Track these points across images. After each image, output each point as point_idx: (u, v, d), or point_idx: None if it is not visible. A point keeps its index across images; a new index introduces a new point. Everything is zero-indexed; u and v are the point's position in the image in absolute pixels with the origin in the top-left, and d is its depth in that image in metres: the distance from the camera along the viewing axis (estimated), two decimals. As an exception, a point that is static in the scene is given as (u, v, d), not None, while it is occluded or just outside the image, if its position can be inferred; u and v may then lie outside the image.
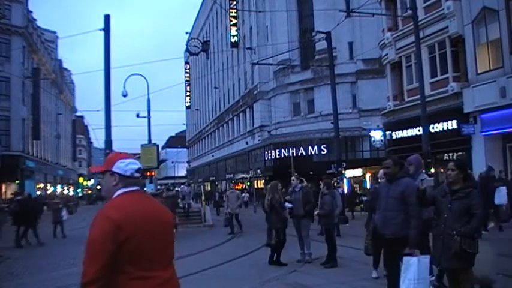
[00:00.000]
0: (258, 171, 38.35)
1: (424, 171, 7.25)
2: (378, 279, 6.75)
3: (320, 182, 9.70)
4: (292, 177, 9.43)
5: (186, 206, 21.17)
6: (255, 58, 33.83)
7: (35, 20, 42.02)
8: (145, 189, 16.85)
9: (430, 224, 5.06)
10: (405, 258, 4.59)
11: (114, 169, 2.36)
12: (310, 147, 33.65)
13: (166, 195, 17.43)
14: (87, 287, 2.07)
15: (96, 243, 2.12)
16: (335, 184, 15.64)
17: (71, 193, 53.51)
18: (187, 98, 66.50)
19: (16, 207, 14.17)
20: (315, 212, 8.91)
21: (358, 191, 25.66)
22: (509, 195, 13.03)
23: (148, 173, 23.94)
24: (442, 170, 17.00)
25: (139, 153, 20.64)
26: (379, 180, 6.57)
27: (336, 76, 21.53)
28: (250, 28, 40.91)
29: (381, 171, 6.69)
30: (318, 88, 33.67)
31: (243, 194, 34.61)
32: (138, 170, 2.41)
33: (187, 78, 64.57)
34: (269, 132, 36.18)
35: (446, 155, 17.65)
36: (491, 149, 15.49)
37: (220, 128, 51.74)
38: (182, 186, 22.18)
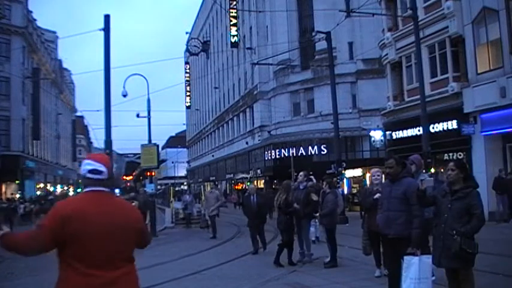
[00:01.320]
0: (258, 171, 38.35)
1: (424, 171, 7.27)
2: (379, 278, 6.76)
3: (320, 181, 9.68)
4: (301, 173, 9.34)
5: (188, 215, 19.31)
6: (255, 58, 33.83)
7: (35, 20, 42.03)
8: (113, 190, 15.94)
9: (430, 224, 5.06)
10: (406, 258, 4.60)
11: (80, 171, 2.59)
12: (310, 147, 33.65)
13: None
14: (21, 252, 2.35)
15: (41, 228, 2.32)
16: (336, 184, 15.62)
17: (71, 193, 53.47)
18: (187, 98, 66.48)
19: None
20: (317, 214, 8.87)
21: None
22: (509, 195, 13.07)
23: (148, 173, 23.93)
24: (442, 170, 17.02)
25: (139, 153, 20.61)
26: (372, 179, 6.66)
27: (336, 76, 21.53)
28: (250, 28, 40.91)
29: (373, 170, 6.78)
30: (318, 88, 33.66)
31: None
32: (91, 171, 2.47)
33: (187, 78, 64.55)
34: (269, 132, 36.18)
35: (446, 155, 17.63)
36: (491, 149, 15.48)
37: (220, 128, 51.73)
38: (184, 195, 21.25)
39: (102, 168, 2.48)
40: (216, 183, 52.36)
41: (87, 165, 2.49)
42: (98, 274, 2.29)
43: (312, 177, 9.62)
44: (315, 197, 8.68)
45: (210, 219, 14.58)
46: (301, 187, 8.98)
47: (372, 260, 7.17)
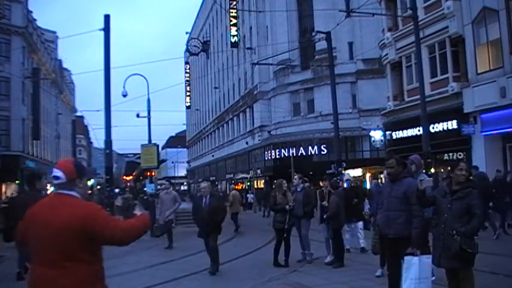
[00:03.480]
0: (258, 171, 38.36)
1: (424, 171, 7.26)
2: (379, 278, 6.76)
3: (320, 182, 9.66)
4: (295, 176, 9.37)
5: None
6: (255, 58, 33.84)
7: (35, 20, 42.00)
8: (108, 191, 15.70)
9: (430, 224, 5.06)
10: (406, 258, 4.60)
11: None
12: (310, 147, 33.67)
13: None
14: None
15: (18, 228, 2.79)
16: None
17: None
18: (187, 98, 66.49)
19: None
20: (324, 214, 8.83)
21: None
22: (510, 195, 12.95)
23: (148, 173, 23.90)
24: (442, 170, 17.01)
25: (139, 153, 20.58)
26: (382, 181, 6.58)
27: (336, 76, 21.53)
28: (250, 28, 40.92)
29: (386, 171, 6.70)
30: (318, 88, 33.67)
31: (248, 195, 34.45)
32: (53, 177, 2.76)
33: (187, 78, 64.56)
34: (269, 132, 36.19)
35: (446, 155, 17.64)
36: (491, 149, 15.48)
37: (220, 128, 51.74)
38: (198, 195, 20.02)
39: (58, 173, 2.72)
40: (217, 183, 52.41)
41: (53, 172, 2.79)
42: (40, 270, 2.53)
43: (306, 178, 9.58)
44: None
45: (165, 225, 12.02)
46: (298, 189, 9.00)
47: (372, 260, 7.18)
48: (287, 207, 8.56)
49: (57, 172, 2.72)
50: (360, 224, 9.48)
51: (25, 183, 6.98)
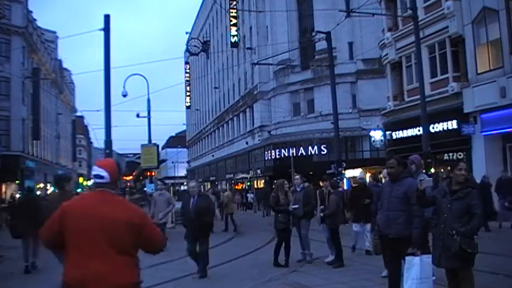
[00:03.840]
0: (258, 171, 38.35)
1: (424, 171, 7.25)
2: (382, 278, 6.73)
3: (320, 182, 9.66)
4: (297, 176, 9.37)
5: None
6: (255, 58, 33.83)
7: (35, 20, 42.01)
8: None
9: (430, 224, 5.06)
10: (407, 258, 4.60)
11: None
12: (310, 147, 33.66)
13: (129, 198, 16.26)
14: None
15: (48, 223, 2.72)
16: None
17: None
18: (187, 98, 66.46)
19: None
20: (321, 213, 8.84)
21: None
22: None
23: (148, 173, 23.93)
24: (442, 170, 17.01)
25: (139, 153, 20.61)
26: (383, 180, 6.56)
27: (336, 76, 21.54)
28: (250, 28, 40.91)
29: (385, 171, 6.68)
30: (318, 88, 33.67)
31: (248, 195, 34.42)
32: (95, 176, 2.81)
33: (187, 78, 64.54)
34: (269, 132, 36.19)
35: (446, 155, 17.64)
36: (491, 149, 15.48)
37: (220, 128, 51.73)
38: (206, 194, 18.51)
39: (103, 173, 2.77)
40: (217, 183, 52.41)
41: (93, 170, 2.83)
42: (91, 264, 2.51)
43: (304, 178, 9.58)
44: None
45: (160, 227, 11.59)
46: (298, 189, 9.00)
47: (371, 260, 7.18)
48: (291, 208, 8.55)
49: (101, 171, 2.76)
50: (369, 226, 9.32)
51: (55, 185, 7.56)
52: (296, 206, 8.60)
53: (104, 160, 2.99)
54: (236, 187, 44.58)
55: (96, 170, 2.78)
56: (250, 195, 33.88)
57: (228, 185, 47.07)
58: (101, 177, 2.75)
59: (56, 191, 7.65)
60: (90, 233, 2.55)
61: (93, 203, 2.67)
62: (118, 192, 2.87)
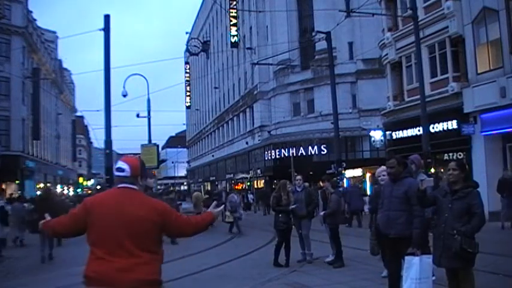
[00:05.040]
0: (258, 171, 38.36)
1: (423, 171, 7.24)
2: (379, 279, 6.74)
3: (320, 182, 9.67)
4: (298, 177, 9.37)
5: (237, 219, 15.87)
6: (255, 58, 33.84)
7: (35, 20, 42.02)
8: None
9: (430, 224, 5.06)
10: (407, 258, 4.60)
11: None
12: (310, 147, 33.67)
13: (165, 198, 16.65)
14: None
15: (69, 215, 2.83)
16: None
17: (71, 193, 53.56)
18: (187, 98, 66.48)
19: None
20: (321, 213, 8.85)
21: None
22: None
23: (148, 173, 23.84)
24: (442, 170, 17.01)
25: (139, 153, 20.62)
26: (378, 179, 6.54)
27: (336, 76, 21.54)
28: (250, 28, 40.92)
29: (379, 170, 6.68)
30: (318, 88, 33.68)
31: (249, 195, 34.36)
32: (117, 169, 2.85)
33: (187, 78, 64.55)
34: (269, 132, 36.19)
35: (446, 155, 17.63)
36: (491, 149, 15.47)
37: (220, 128, 51.73)
38: (231, 194, 17.43)
39: (124, 166, 2.82)
40: (216, 183, 52.42)
41: (116, 164, 2.89)
42: (113, 260, 2.57)
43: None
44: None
45: None
46: (298, 189, 9.00)
47: (371, 261, 7.17)
48: (290, 208, 8.57)
49: (123, 165, 2.83)
50: None
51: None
52: (295, 206, 8.60)
53: (128, 156, 3.06)
54: (236, 187, 44.60)
55: (118, 164, 2.86)
56: (250, 196, 33.88)
57: (228, 185, 47.12)
58: (122, 170, 2.80)
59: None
60: (113, 230, 2.61)
61: (115, 200, 2.72)
62: (141, 188, 2.90)
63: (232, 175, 46.45)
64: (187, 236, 3.06)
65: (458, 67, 17.09)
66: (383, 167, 6.61)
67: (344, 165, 21.23)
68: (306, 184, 9.52)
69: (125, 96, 21.76)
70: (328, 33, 19.73)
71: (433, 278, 5.60)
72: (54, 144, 50.25)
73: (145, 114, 23.16)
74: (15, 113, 33.73)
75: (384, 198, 5.12)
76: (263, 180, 37.71)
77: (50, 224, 2.88)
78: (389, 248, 5.11)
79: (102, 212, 2.67)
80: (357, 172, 26.94)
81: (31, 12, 40.33)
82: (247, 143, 40.85)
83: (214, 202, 3.47)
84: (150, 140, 22.57)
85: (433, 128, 17.04)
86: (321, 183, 9.60)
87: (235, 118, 45.93)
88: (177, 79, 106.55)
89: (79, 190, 64.89)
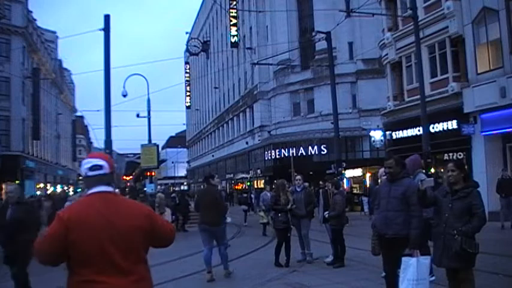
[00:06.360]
0: (258, 171, 38.37)
1: (424, 171, 7.23)
2: (379, 279, 6.73)
3: (320, 182, 9.68)
4: (298, 177, 9.37)
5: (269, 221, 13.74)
6: (255, 58, 33.83)
7: (35, 20, 42.02)
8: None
9: (429, 224, 5.06)
10: (404, 259, 4.59)
11: (81, 172, 2.47)
12: (310, 147, 33.68)
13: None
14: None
15: (46, 239, 2.27)
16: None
17: (71, 193, 53.55)
18: (187, 98, 66.51)
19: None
20: (325, 214, 8.83)
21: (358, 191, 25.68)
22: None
23: (148, 173, 23.92)
24: (442, 170, 17.01)
25: (139, 153, 20.61)
26: (382, 179, 6.53)
27: (336, 76, 21.53)
28: (250, 28, 40.92)
29: (381, 170, 6.66)
30: (318, 88, 33.69)
31: (252, 195, 34.24)
32: (91, 168, 2.40)
33: (187, 78, 64.58)
34: (269, 132, 36.20)
35: (446, 155, 17.63)
36: (491, 149, 15.47)
37: (220, 128, 51.74)
38: (264, 192, 16.69)
39: (101, 162, 2.42)
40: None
41: (86, 163, 2.43)
42: (105, 281, 2.21)
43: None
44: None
45: None
46: (298, 189, 9.00)
47: (371, 261, 7.16)
48: (288, 207, 8.57)
49: (98, 161, 2.42)
50: None
51: (204, 180, 8.90)
52: (293, 206, 8.61)
53: (97, 152, 2.68)
54: (236, 187, 44.58)
55: (91, 161, 2.42)
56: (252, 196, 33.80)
57: (228, 185, 47.13)
58: (100, 167, 2.39)
59: (205, 185, 8.79)
60: (101, 247, 2.22)
61: (97, 210, 2.30)
62: (115, 188, 2.56)
63: (232, 175, 46.45)
64: (168, 244, 2.58)
65: (458, 67, 17.09)
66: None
67: (344, 165, 21.22)
68: (306, 184, 9.50)
69: (124, 96, 21.75)
70: (328, 33, 19.72)
71: (433, 278, 5.61)
72: (54, 144, 50.25)
73: (146, 114, 23.15)
74: (15, 113, 33.74)
75: (381, 199, 5.10)
76: (263, 180, 37.70)
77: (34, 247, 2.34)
78: (387, 248, 5.11)
79: (84, 227, 2.22)
80: (357, 172, 26.93)
81: (31, 12, 40.33)
82: (247, 143, 40.85)
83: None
84: (150, 140, 22.55)
85: (433, 128, 17.03)
86: (326, 184, 9.57)
87: (235, 118, 45.93)
88: (177, 79, 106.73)
89: (79, 190, 64.84)
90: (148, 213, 2.46)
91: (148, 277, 2.40)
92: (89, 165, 2.41)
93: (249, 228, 16.72)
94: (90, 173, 2.40)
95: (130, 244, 2.30)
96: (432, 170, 15.12)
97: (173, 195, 21.53)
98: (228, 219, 10.34)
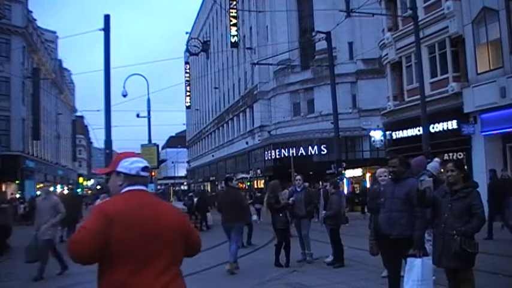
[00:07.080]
0: (258, 171, 38.36)
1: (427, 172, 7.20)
2: (382, 278, 6.73)
3: (321, 182, 9.70)
4: (298, 177, 9.39)
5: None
6: (255, 58, 33.82)
7: (35, 20, 42.02)
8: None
9: (429, 224, 5.06)
10: (409, 259, 4.59)
11: (118, 169, 2.34)
12: (310, 147, 33.66)
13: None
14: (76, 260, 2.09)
15: (88, 232, 2.08)
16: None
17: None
18: (187, 98, 66.48)
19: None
20: (322, 213, 8.88)
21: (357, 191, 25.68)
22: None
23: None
24: (441, 170, 17.01)
25: (139, 153, 20.57)
26: (379, 179, 6.53)
27: (336, 76, 21.54)
28: (250, 28, 40.92)
29: (379, 171, 6.67)
30: (318, 88, 33.68)
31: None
32: (143, 169, 2.35)
33: (187, 78, 64.55)
34: (269, 132, 36.19)
35: (446, 155, 17.63)
36: (491, 149, 15.48)
37: (220, 128, 51.73)
38: (288, 189, 17.66)
39: (147, 164, 2.40)
40: (217, 183, 52.38)
41: (138, 162, 2.35)
42: (143, 279, 2.09)
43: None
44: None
45: (41, 247, 8.13)
46: (298, 189, 9.02)
47: (371, 261, 7.17)
48: (291, 201, 8.68)
49: (146, 163, 2.37)
50: None
51: (224, 182, 9.74)
52: (293, 200, 8.74)
53: (133, 152, 2.53)
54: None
55: (143, 162, 2.35)
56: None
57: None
58: (148, 169, 2.34)
59: (224, 187, 9.45)
60: (146, 244, 2.13)
61: (141, 207, 2.20)
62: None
63: (232, 175, 46.42)
64: (192, 256, 2.45)
65: (458, 67, 17.10)
66: (384, 168, 6.62)
67: (344, 165, 21.22)
68: (306, 184, 9.52)
69: (124, 96, 21.75)
70: (328, 33, 19.73)
71: (433, 278, 5.60)
72: (54, 144, 50.26)
73: (145, 114, 23.16)
74: (15, 113, 33.75)
75: (386, 199, 5.10)
76: (263, 180, 37.69)
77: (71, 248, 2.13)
78: (390, 248, 5.10)
79: (129, 223, 2.12)
80: (357, 172, 26.95)
81: (31, 12, 40.33)
82: (247, 143, 40.84)
83: None
84: (150, 140, 22.56)
85: (433, 128, 17.04)
86: (326, 184, 9.67)
87: (235, 118, 45.93)
88: (177, 79, 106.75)
89: (79, 190, 64.85)
90: (183, 214, 2.49)
91: (183, 278, 2.30)
92: (142, 165, 2.35)
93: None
94: (142, 173, 2.34)
95: (171, 243, 2.22)
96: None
97: (190, 194, 21.34)
98: (254, 217, 11.13)
